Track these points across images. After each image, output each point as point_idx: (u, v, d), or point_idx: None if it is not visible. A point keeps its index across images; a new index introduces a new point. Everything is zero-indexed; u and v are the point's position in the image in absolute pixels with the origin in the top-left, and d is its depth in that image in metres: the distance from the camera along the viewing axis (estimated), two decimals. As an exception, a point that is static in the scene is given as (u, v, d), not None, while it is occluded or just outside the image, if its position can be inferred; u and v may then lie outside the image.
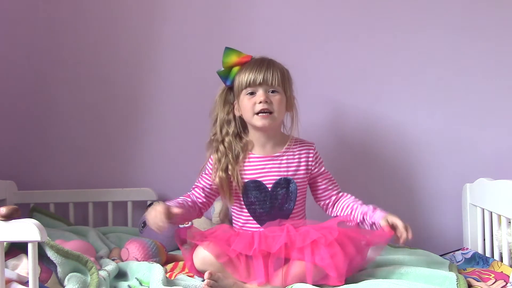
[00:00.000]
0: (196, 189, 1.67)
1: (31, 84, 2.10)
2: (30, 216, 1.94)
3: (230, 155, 1.61)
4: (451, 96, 2.04)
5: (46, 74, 2.10)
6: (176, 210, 1.47)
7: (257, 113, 1.57)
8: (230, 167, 1.60)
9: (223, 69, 1.65)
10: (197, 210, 1.64)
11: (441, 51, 2.04)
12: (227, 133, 1.64)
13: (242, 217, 1.63)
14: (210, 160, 1.66)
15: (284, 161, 1.63)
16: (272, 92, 1.59)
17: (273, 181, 1.60)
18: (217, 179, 1.61)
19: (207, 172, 1.65)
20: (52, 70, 2.10)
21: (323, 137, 2.01)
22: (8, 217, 1.02)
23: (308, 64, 2.02)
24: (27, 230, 1.02)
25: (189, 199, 1.63)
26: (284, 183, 1.60)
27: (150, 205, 1.98)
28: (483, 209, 1.76)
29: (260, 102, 1.56)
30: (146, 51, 2.09)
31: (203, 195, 1.65)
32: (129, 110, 2.10)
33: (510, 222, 1.57)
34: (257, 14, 2.08)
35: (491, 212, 1.68)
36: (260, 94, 1.57)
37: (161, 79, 2.09)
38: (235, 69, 1.64)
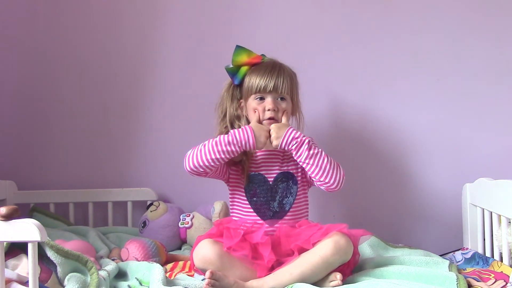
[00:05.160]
0: None
1: (31, 85, 2.10)
2: (30, 216, 1.94)
3: None
4: (451, 95, 2.04)
5: (46, 74, 2.10)
6: None
7: (264, 119, 1.61)
8: (244, 157, 1.62)
9: (231, 66, 1.66)
10: None
11: (441, 50, 2.04)
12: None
13: (243, 210, 1.63)
14: None
15: (286, 156, 1.65)
16: (281, 99, 1.62)
17: (274, 175, 1.62)
18: (227, 173, 1.64)
19: None
20: (52, 70, 2.10)
21: (322, 136, 2.01)
22: (8, 217, 1.02)
23: (308, 62, 2.02)
24: (27, 230, 1.02)
25: None
26: (284, 177, 1.63)
27: (150, 205, 1.98)
28: (483, 209, 1.75)
29: (269, 110, 1.60)
30: (145, 52, 2.09)
31: None
32: (129, 110, 2.10)
33: (510, 222, 1.57)
34: (260, 12, 2.08)
35: (491, 212, 1.68)
36: (269, 101, 1.60)
37: (161, 79, 2.09)
38: (244, 68, 1.66)
